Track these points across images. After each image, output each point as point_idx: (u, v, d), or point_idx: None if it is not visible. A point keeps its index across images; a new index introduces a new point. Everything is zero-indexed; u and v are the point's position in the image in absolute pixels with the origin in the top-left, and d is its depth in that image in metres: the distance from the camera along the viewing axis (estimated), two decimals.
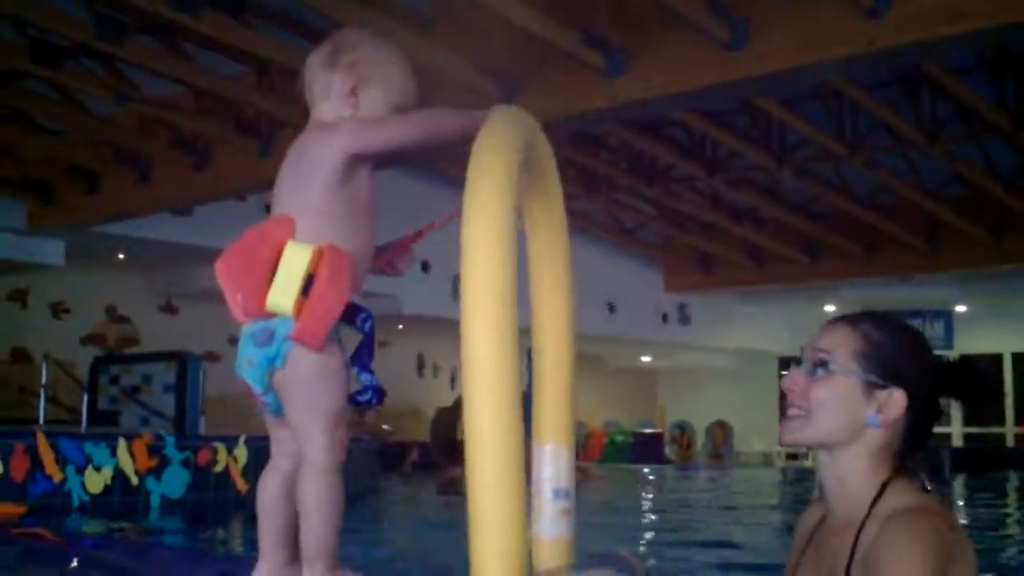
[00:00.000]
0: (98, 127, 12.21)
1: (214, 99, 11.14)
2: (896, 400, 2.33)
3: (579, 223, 19.83)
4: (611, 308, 22.25)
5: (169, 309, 19.00)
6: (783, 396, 2.45)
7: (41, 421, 12.58)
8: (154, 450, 8.90)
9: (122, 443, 8.64)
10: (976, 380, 2.42)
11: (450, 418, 19.34)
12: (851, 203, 16.98)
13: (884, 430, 2.34)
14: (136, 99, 11.04)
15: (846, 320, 2.44)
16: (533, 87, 9.65)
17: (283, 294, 2.24)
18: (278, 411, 2.34)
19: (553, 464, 2.47)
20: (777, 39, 8.29)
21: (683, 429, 25.94)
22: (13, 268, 15.45)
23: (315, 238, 2.28)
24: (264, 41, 9.45)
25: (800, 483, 13.08)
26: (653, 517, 9.48)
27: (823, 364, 2.37)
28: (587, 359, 27.26)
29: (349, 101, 2.43)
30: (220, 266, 2.25)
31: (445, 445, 16.93)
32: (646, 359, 28.16)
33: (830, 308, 25.17)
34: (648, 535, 7.81)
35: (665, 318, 23.67)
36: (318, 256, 2.26)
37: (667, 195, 17.51)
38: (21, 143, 12.91)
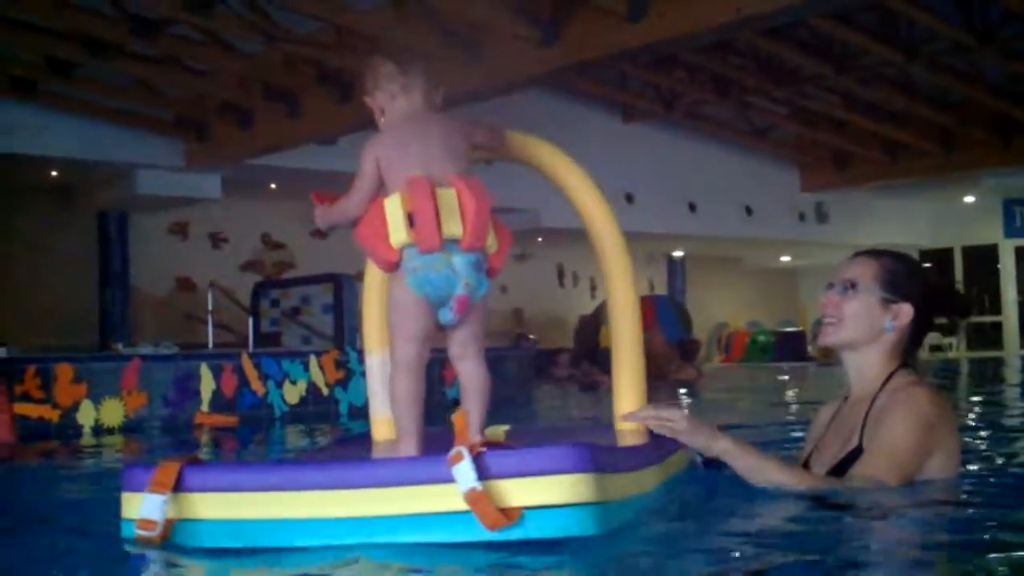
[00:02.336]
0: (246, 67, 12.89)
1: (354, 35, 11.68)
2: (905, 311, 3.25)
3: (712, 128, 20.04)
4: (748, 211, 22.42)
5: (319, 234, 19.79)
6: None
7: (210, 345, 13.40)
8: (340, 364, 9.75)
9: (313, 359, 9.49)
10: (955, 300, 3.42)
11: (592, 325, 19.90)
12: (985, 93, 16.85)
13: (895, 334, 3.27)
14: (282, 38, 11.66)
15: (868, 254, 3.34)
16: (660, 4, 9.95)
17: (491, 237, 2.99)
18: (454, 322, 3.00)
19: (383, 367, 3.63)
20: None
21: None
22: (174, 203, 16.39)
23: None
24: None
25: (939, 375, 13.22)
26: (793, 412, 9.87)
27: (853, 286, 3.27)
28: (726, 261, 27.47)
29: (432, 97, 3.17)
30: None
31: (587, 350, 17.51)
32: (785, 259, 28.23)
33: (969, 199, 24.91)
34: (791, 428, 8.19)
35: (802, 217, 23.73)
36: None
37: (798, 95, 17.60)
38: (175, 85, 13.69)
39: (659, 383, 14.70)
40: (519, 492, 2.44)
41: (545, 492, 2.43)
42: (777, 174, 22.96)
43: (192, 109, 14.40)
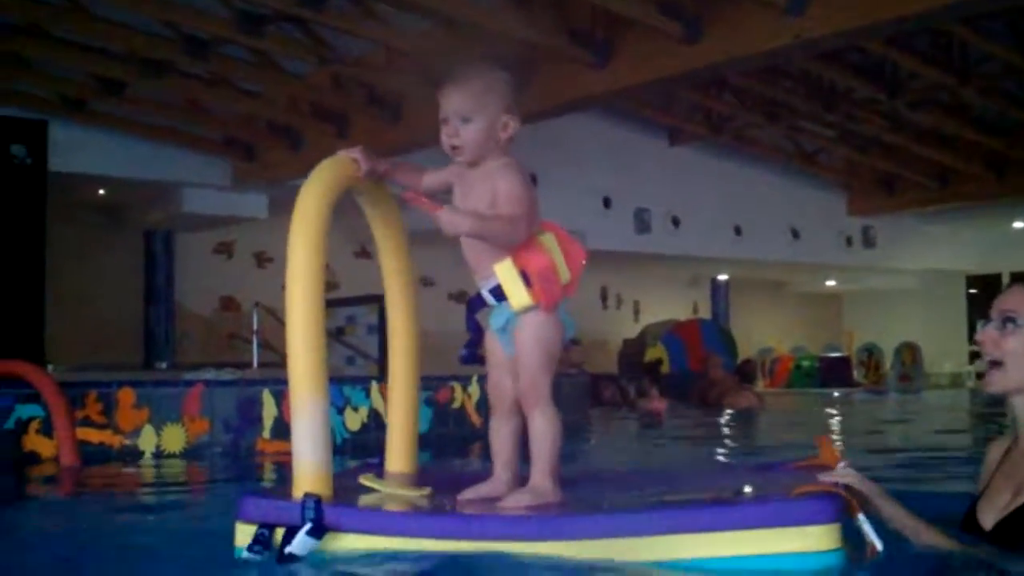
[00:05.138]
0: (296, 87, 12.87)
1: (405, 56, 11.63)
2: None
3: (759, 151, 19.88)
4: (795, 234, 22.22)
5: (364, 254, 19.77)
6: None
7: (255, 365, 13.33)
8: None
9: (374, 385, 9.39)
10: None
11: (637, 348, 19.77)
12: None
13: None
14: (333, 60, 11.63)
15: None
16: (715, 27, 9.86)
17: None
18: None
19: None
20: None
21: (871, 352, 25.69)
22: (220, 222, 16.41)
23: None
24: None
25: (992, 404, 12.99)
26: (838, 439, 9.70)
27: (1012, 320, 2.99)
28: (771, 285, 27.24)
29: None
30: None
31: (647, 369, 17.32)
32: (831, 283, 27.98)
33: (1019, 224, 24.59)
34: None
35: (849, 241, 23.50)
36: None
37: (848, 119, 17.43)
38: (224, 105, 13.70)
39: (713, 411, 14.38)
40: None
41: None
42: (824, 198, 22.76)
43: (241, 129, 14.41)
